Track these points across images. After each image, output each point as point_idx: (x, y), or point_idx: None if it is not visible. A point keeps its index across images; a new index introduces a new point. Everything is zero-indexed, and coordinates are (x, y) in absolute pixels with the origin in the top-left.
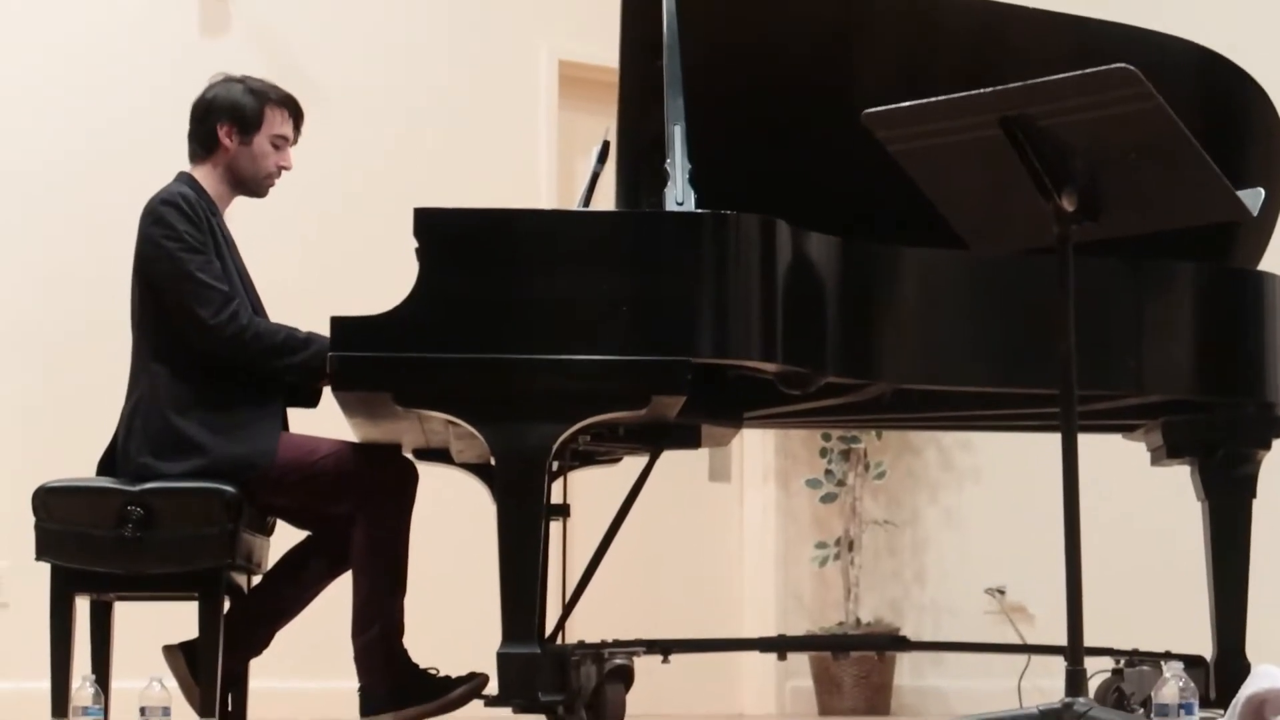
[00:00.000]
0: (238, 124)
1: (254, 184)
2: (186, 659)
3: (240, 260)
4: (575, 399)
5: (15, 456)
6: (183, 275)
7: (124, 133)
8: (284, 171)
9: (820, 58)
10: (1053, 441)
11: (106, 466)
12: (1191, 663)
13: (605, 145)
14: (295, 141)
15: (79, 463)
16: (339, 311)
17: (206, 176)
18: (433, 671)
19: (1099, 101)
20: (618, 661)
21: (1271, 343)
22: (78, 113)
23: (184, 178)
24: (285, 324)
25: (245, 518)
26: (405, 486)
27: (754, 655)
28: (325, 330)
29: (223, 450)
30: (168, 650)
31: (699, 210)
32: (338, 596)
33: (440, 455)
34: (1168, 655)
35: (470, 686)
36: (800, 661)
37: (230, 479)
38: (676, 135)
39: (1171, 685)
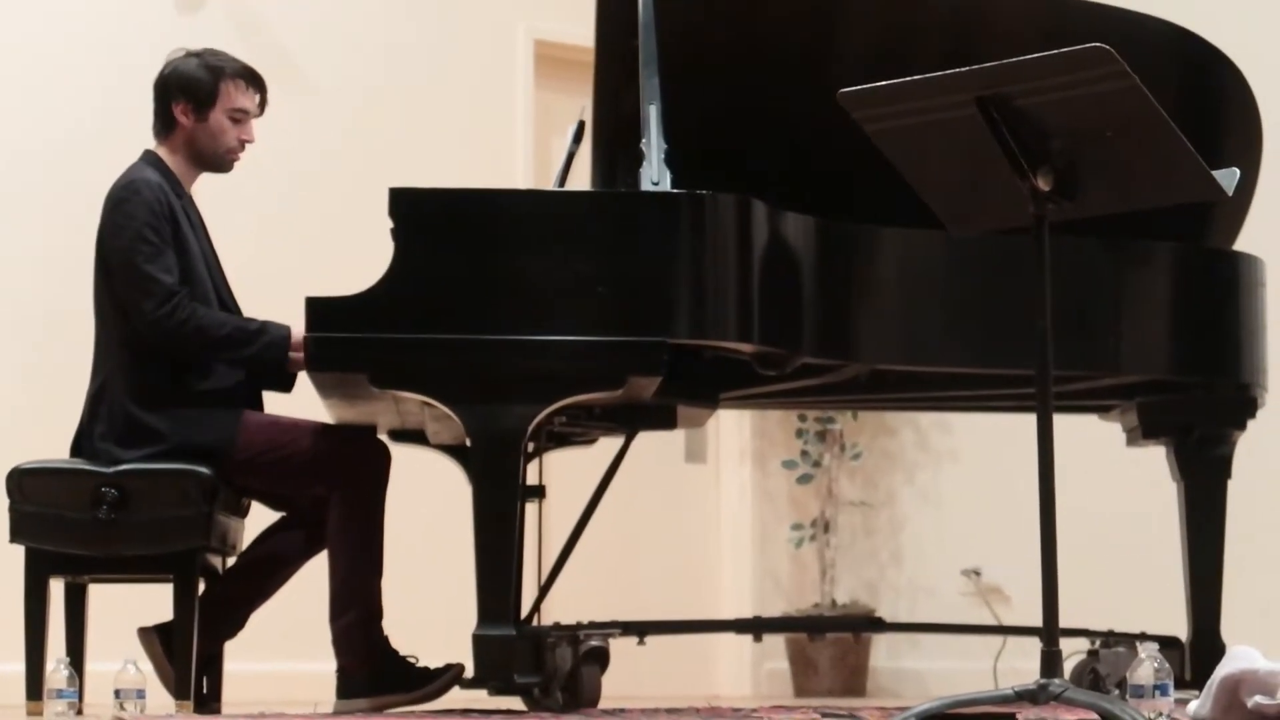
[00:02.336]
0: (192, 100)
1: (215, 160)
2: (161, 641)
3: (207, 242)
4: (551, 380)
5: None
6: (130, 265)
7: (99, 113)
8: (247, 145)
9: (798, 37)
10: (1029, 422)
11: (77, 449)
12: (1167, 644)
13: (581, 125)
14: (260, 113)
15: (54, 446)
16: (312, 291)
17: (169, 154)
18: (412, 660)
19: (1074, 81)
20: (593, 643)
21: (1247, 323)
22: (50, 94)
23: (149, 157)
24: (237, 316)
25: (220, 499)
26: (378, 466)
27: (730, 637)
28: (299, 313)
29: (182, 439)
30: (142, 632)
31: (675, 190)
32: (313, 577)
33: (416, 437)
34: (1143, 636)
35: (448, 678)
36: (776, 643)
37: (192, 463)
38: (652, 115)
39: (1147, 666)
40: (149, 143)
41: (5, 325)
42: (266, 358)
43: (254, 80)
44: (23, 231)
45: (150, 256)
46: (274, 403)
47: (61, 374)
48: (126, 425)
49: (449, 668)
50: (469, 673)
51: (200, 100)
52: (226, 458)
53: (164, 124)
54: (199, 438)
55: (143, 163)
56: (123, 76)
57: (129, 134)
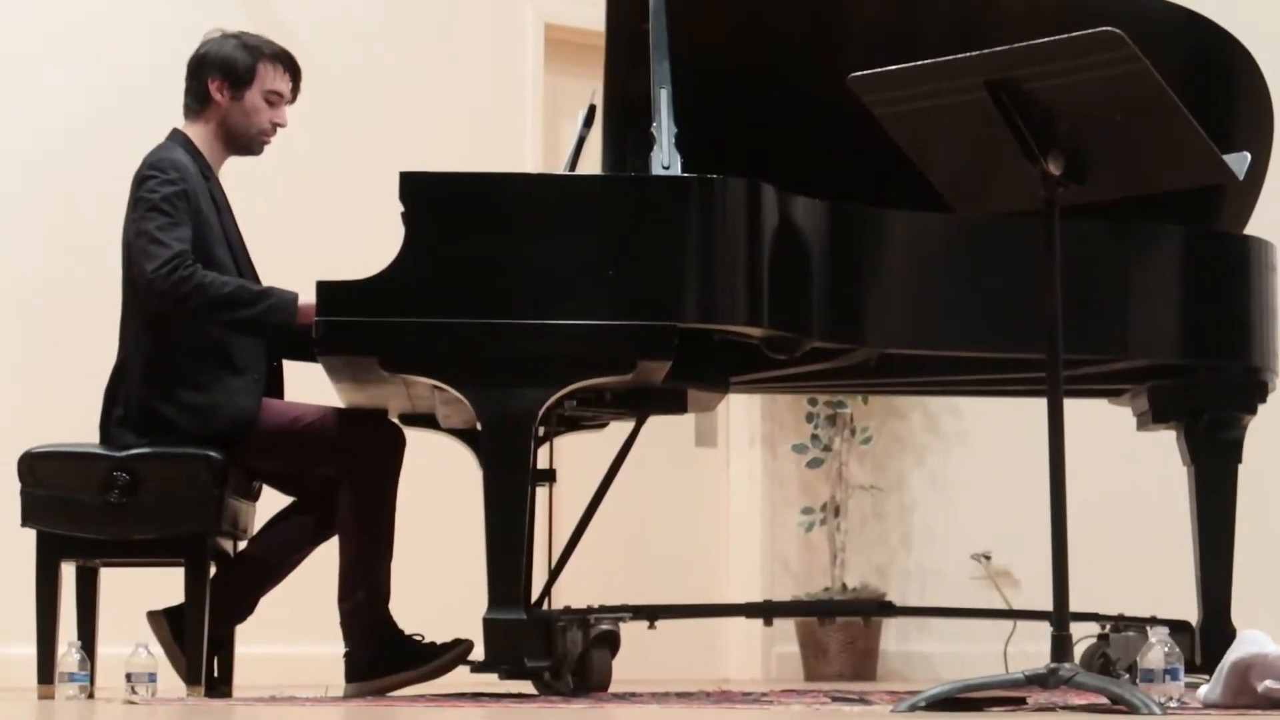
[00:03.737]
0: (229, 79)
1: (247, 140)
2: (171, 625)
3: (233, 225)
4: (561, 364)
5: (5, 422)
6: (140, 233)
7: (103, 96)
8: (279, 129)
9: (808, 21)
10: (1039, 406)
11: (103, 433)
12: (1177, 628)
13: (591, 109)
14: (293, 100)
15: (65, 432)
16: (323, 275)
17: (200, 133)
18: (418, 638)
19: (1084, 65)
20: (604, 627)
21: (1257, 306)
22: (54, 77)
23: (178, 136)
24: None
25: (231, 483)
26: (392, 451)
27: (740, 621)
28: (309, 296)
29: (197, 431)
30: (152, 616)
31: (685, 174)
32: (324, 561)
33: (426, 421)
34: (1153, 620)
35: (455, 654)
36: (786, 627)
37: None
38: (663, 98)
39: (1157, 650)
40: (156, 124)
41: (15, 311)
42: (270, 320)
43: (290, 65)
44: (25, 216)
45: (163, 226)
46: (294, 387)
47: (71, 360)
48: (144, 415)
49: (457, 643)
50: (479, 655)
51: (237, 79)
52: (240, 445)
53: (197, 101)
54: (214, 429)
55: (171, 142)
56: (130, 58)
57: (135, 116)
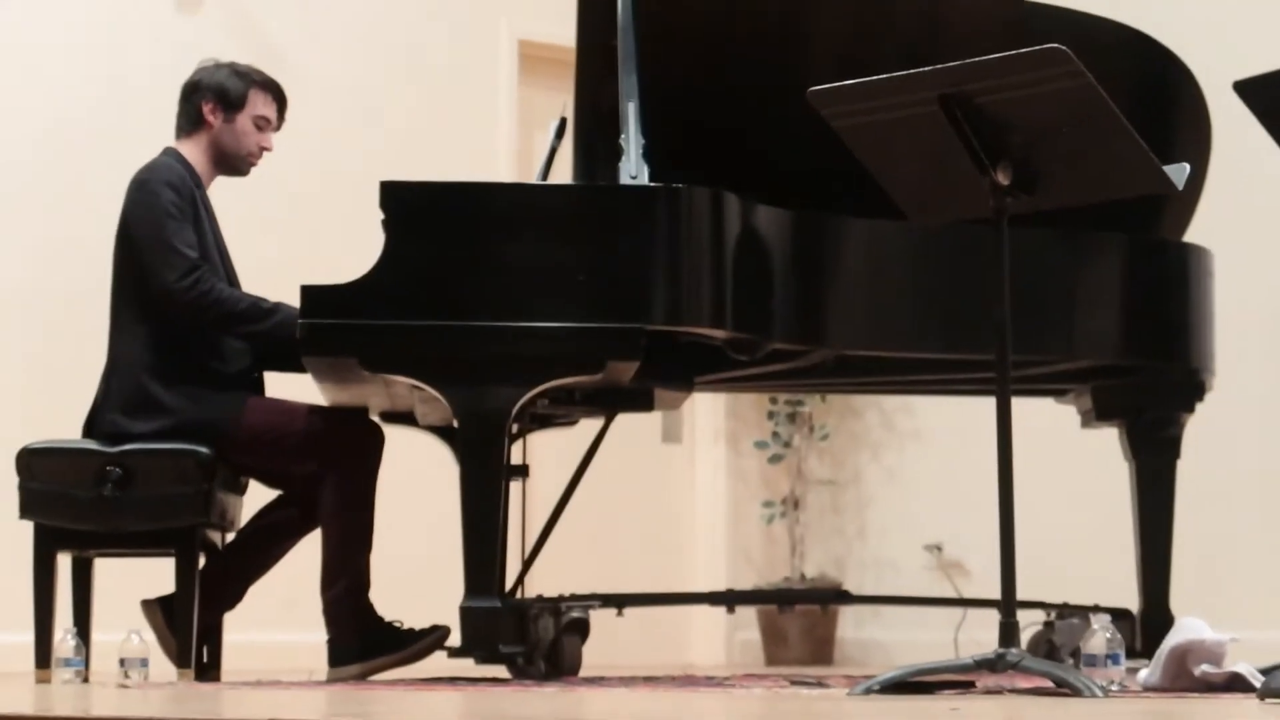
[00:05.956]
0: (222, 102)
1: (235, 161)
2: (164, 613)
3: (220, 234)
4: (534, 364)
5: (5, 420)
6: (157, 239)
7: (102, 108)
8: (265, 152)
9: (771, 39)
10: (989, 404)
11: (90, 426)
12: (1119, 615)
13: (563, 121)
14: (279, 127)
15: (64, 427)
16: (305, 281)
17: (191, 152)
18: (397, 624)
19: (1033, 80)
20: (574, 614)
21: (1196, 311)
22: (55, 89)
23: (171, 152)
24: (254, 294)
25: (219, 478)
26: (371, 447)
27: (704, 609)
28: (292, 302)
29: (189, 414)
30: (146, 605)
31: (652, 184)
32: (308, 553)
33: (405, 418)
34: (1096, 608)
35: (433, 638)
36: (748, 615)
37: (195, 440)
38: (631, 111)
39: (1099, 636)
40: (153, 135)
41: (16, 313)
42: (278, 335)
43: (278, 94)
44: (29, 222)
45: (175, 231)
46: (274, 385)
47: (70, 358)
48: (137, 397)
49: (435, 629)
50: (455, 641)
51: (230, 102)
52: (228, 437)
53: (190, 122)
54: (204, 415)
55: (164, 157)
56: (125, 71)
57: (132, 127)
